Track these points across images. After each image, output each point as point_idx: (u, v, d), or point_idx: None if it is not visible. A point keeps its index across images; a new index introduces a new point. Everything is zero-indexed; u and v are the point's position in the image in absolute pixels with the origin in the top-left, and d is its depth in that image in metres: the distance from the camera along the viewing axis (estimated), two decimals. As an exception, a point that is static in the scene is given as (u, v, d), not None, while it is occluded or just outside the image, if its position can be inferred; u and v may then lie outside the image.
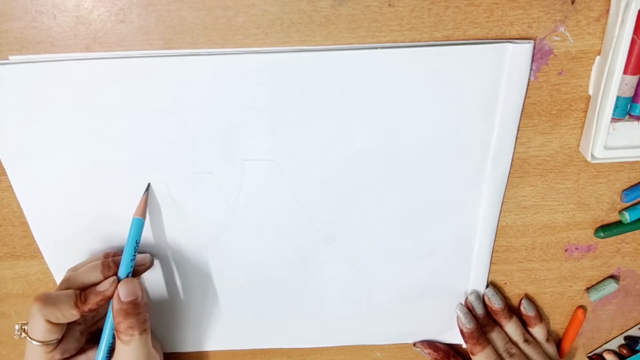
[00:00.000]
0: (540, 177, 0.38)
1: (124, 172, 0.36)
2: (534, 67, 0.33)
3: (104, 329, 0.36)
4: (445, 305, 0.43)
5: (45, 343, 0.34)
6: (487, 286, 0.43)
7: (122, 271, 0.35)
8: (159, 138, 0.35)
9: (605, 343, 0.47)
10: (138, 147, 0.35)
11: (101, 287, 0.35)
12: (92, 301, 0.34)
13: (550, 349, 0.44)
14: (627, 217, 0.39)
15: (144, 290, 0.36)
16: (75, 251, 0.39)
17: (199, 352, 0.46)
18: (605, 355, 0.47)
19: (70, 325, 0.36)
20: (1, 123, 0.34)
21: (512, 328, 0.42)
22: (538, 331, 0.43)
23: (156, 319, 0.44)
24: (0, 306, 0.44)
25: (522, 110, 0.35)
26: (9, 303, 0.44)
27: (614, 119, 0.34)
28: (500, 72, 0.32)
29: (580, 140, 0.36)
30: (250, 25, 0.32)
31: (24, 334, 0.35)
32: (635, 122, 0.34)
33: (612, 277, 0.43)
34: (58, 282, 0.41)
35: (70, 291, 0.34)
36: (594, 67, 0.33)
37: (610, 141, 0.34)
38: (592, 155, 0.35)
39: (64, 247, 0.39)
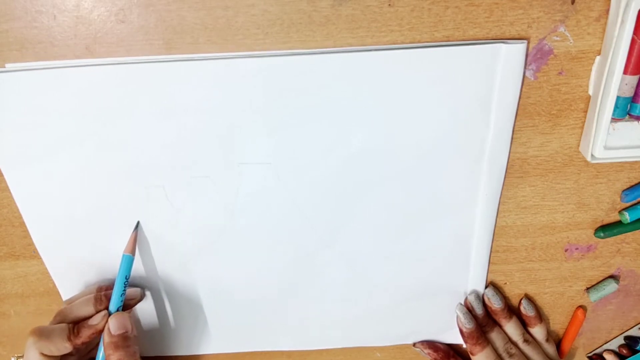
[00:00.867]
0: (540, 177, 0.38)
1: (121, 176, 0.36)
2: (534, 67, 0.33)
3: None
4: (444, 305, 0.43)
5: None
6: (487, 286, 0.43)
7: (113, 305, 0.37)
8: (155, 142, 0.35)
9: (605, 343, 0.47)
10: (135, 151, 0.35)
11: (93, 321, 0.36)
12: (85, 335, 0.36)
13: (550, 349, 0.44)
14: (627, 217, 0.39)
15: (134, 323, 0.37)
16: (74, 253, 0.39)
17: (199, 355, 0.46)
18: (605, 355, 0.47)
19: (64, 357, 0.37)
20: None
21: (511, 328, 0.42)
22: (538, 331, 0.43)
23: (156, 323, 0.44)
24: (0, 306, 0.44)
25: (520, 110, 0.35)
26: (9, 303, 0.44)
27: (614, 119, 0.34)
28: (494, 72, 0.32)
29: (580, 140, 0.36)
30: (250, 25, 0.32)
31: None
32: (635, 122, 0.34)
33: (612, 277, 0.43)
34: (57, 282, 0.41)
35: (63, 325, 0.36)
36: (594, 67, 0.33)
37: (610, 141, 0.34)
38: (592, 155, 0.35)
39: (63, 250, 0.39)
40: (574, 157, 0.37)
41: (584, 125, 0.36)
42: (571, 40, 0.33)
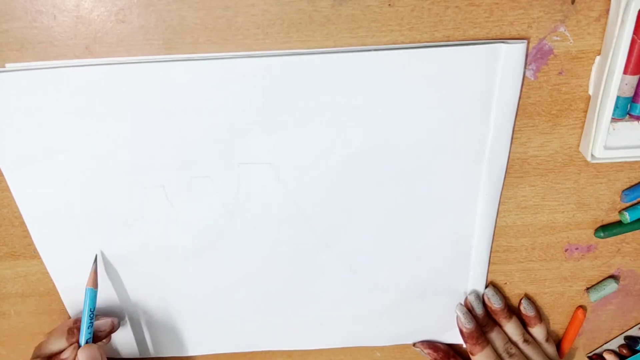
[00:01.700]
0: (540, 177, 0.38)
1: (121, 177, 0.36)
2: (534, 67, 0.33)
3: None
4: (444, 306, 0.43)
5: None
6: (487, 286, 0.43)
7: (82, 338, 0.38)
8: (155, 142, 0.35)
9: (605, 343, 0.47)
10: (135, 151, 0.35)
11: (64, 355, 0.38)
12: None
13: (550, 349, 0.44)
14: (627, 217, 0.39)
15: (104, 354, 0.39)
16: (74, 253, 0.39)
17: (199, 356, 0.46)
18: (605, 355, 0.47)
19: None
20: None
21: (511, 328, 0.42)
22: (538, 331, 0.43)
23: (156, 323, 0.44)
24: (0, 306, 0.44)
25: (520, 110, 0.35)
26: (9, 303, 0.44)
27: (614, 119, 0.34)
28: (494, 72, 0.32)
29: (580, 140, 0.36)
30: (250, 25, 0.32)
31: None
32: (635, 122, 0.34)
33: (612, 277, 0.43)
34: (57, 283, 0.41)
35: None
36: (594, 67, 0.33)
37: (610, 141, 0.34)
38: (592, 155, 0.35)
39: (63, 250, 0.39)
40: (574, 157, 0.37)
41: (584, 125, 0.36)
42: (571, 40, 0.33)
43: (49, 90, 0.33)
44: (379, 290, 0.42)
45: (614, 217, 0.40)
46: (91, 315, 0.38)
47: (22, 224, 0.39)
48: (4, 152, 0.35)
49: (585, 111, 0.35)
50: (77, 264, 0.40)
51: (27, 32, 0.32)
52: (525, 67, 0.33)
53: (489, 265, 0.42)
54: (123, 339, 0.45)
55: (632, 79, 0.32)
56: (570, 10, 0.32)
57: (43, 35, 0.32)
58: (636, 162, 0.37)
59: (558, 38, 0.32)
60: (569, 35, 0.32)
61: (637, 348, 0.46)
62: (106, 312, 0.43)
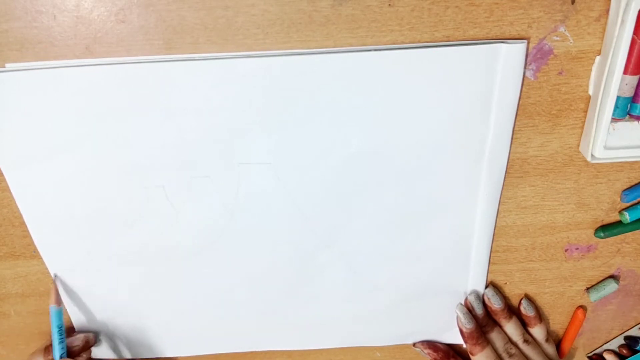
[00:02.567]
0: (540, 177, 0.38)
1: (121, 177, 0.36)
2: (534, 67, 0.33)
3: None
4: (444, 306, 0.43)
5: None
6: (487, 286, 0.43)
7: (55, 355, 0.40)
8: (155, 142, 0.35)
9: (605, 343, 0.47)
10: (135, 151, 0.35)
11: None
12: None
13: (550, 349, 0.44)
14: (627, 217, 0.39)
15: None
16: (74, 253, 0.39)
17: (199, 356, 0.46)
18: (605, 355, 0.47)
19: None
20: None
21: (511, 328, 0.42)
22: (538, 331, 0.43)
23: (156, 323, 0.44)
24: (0, 306, 0.44)
25: (520, 110, 0.35)
26: (9, 303, 0.44)
27: (614, 119, 0.34)
28: (494, 72, 0.32)
29: (580, 140, 0.36)
30: (250, 25, 0.32)
31: None
32: (635, 122, 0.34)
33: (612, 277, 0.43)
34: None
35: None
36: (594, 67, 0.33)
37: (610, 141, 0.34)
38: (592, 155, 0.35)
39: (63, 250, 0.39)
40: (574, 157, 0.37)
41: (584, 125, 0.36)
42: (571, 40, 0.33)
43: (49, 90, 0.33)
44: (379, 290, 0.42)
45: (614, 217, 0.40)
46: (60, 332, 0.40)
47: (22, 224, 0.39)
48: (4, 152, 0.35)
49: (585, 111, 0.35)
50: (77, 264, 0.40)
51: (27, 32, 0.32)
52: (525, 67, 0.33)
53: (489, 265, 0.42)
54: (123, 339, 0.45)
55: (632, 79, 0.32)
56: (570, 10, 0.32)
57: (43, 35, 0.32)
58: (636, 162, 0.37)
59: (558, 38, 0.32)
60: (569, 35, 0.32)
61: (637, 348, 0.46)
62: (105, 313, 0.43)
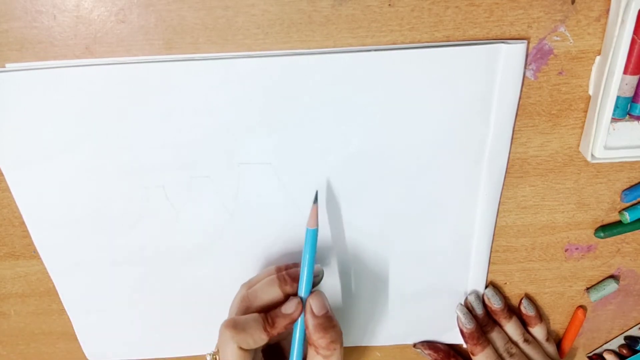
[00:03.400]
0: (540, 177, 0.38)
1: (121, 176, 0.36)
2: (534, 67, 0.33)
3: (291, 350, 0.35)
4: (445, 306, 0.43)
5: None
6: (487, 286, 0.43)
7: (306, 287, 0.35)
8: (155, 142, 0.35)
9: (605, 343, 0.47)
10: (135, 151, 0.35)
11: (287, 310, 0.34)
12: (280, 325, 0.34)
13: (550, 348, 0.44)
14: (627, 217, 0.39)
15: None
16: (74, 253, 0.39)
17: (200, 356, 0.46)
18: (605, 355, 0.47)
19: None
20: None
21: (512, 328, 0.42)
22: (538, 331, 0.43)
23: (156, 323, 0.44)
24: (0, 306, 0.44)
25: (520, 110, 0.35)
26: (9, 303, 0.44)
27: (614, 119, 0.34)
28: (494, 72, 0.32)
29: (580, 140, 0.36)
30: (250, 25, 0.32)
31: None
32: (635, 122, 0.34)
33: (612, 277, 0.43)
34: (56, 283, 0.41)
35: (256, 315, 0.34)
36: (594, 67, 0.33)
37: (610, 141, 0.34)
38: (592, 155, 0.35)
39: (63, 250, 0.39)
40: (574, 157, 0.37)
41: (584, 125, 0.36)
42: (571, 40, 0.33)
43: (49, 90, 0.33)
44: (379, 290, 0.42)
45: (614, 217, 0.40)
46: (313, 261, 0.35)
47: (22, 224, 0.39)
48: (4, 152, 0.35)
49: (585, 111, 0.35)
50: (77, 264, 0.40)
51: (27, 32, 0.32)
52: (525, 67, 0.33)
53: (489, 265, 0.42)
54: (123, 339, 0.45)
55: (632, 79, 0.32)
56: (570, 10, 0.32)
57: (43, 35, 0.32)
58: (636, 162, 0.37)
59: (558, 38, 0.32)
60: (569, 35, 0.32)
61: (637, 348, 0.46)
62: (105, 312, 0.43)
